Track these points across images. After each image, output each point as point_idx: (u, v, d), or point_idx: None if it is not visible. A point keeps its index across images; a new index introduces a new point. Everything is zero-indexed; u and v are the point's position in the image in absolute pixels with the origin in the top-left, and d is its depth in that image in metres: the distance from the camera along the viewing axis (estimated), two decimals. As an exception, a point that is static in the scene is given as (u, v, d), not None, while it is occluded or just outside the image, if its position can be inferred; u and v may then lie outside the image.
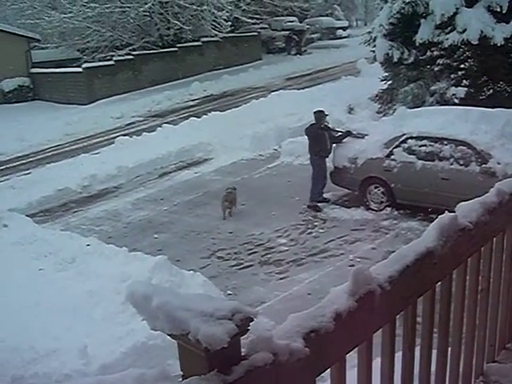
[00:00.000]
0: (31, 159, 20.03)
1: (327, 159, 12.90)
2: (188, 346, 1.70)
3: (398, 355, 2.66)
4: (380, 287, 2.24)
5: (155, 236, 12.13)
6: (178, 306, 1.66)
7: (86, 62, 31.04)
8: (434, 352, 2.96)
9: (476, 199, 3.12)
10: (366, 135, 12.71)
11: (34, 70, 32.05)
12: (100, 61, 31.31)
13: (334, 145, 12.85)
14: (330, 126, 13.58)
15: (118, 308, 8.15)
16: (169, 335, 1.73)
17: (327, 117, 13.57)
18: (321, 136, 12.71)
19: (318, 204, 12.73)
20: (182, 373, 1.81)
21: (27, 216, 13.00)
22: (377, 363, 2.53)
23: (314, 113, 13.11)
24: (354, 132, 12.94)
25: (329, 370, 2.20)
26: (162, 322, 1.67)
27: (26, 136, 22.59)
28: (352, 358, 2.35)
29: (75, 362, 7.17)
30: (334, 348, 2.11)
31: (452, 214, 2.82)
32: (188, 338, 1.64)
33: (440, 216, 2.77)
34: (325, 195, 13.05)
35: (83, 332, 7.75)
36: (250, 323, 1.72)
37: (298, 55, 39.30)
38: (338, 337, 2.07)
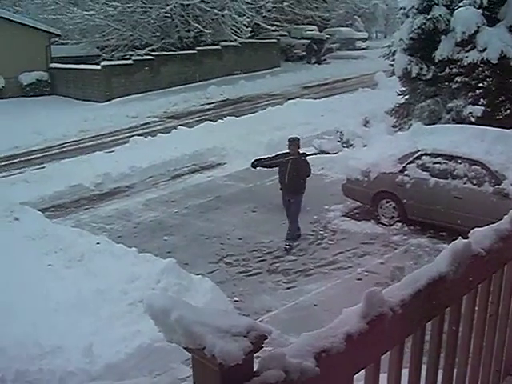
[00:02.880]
0: (46, 153, 20.15)
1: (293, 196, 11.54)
2: (203, 360, 1.73)
3: (404, 372, 2.68)
4: (392, 310, 2.27)
5: (165, 238, 12.17)
6: (195, 320, 1.69)
7: (104, 59, 31.26)
8: (440, 372, 2.97)
9: (490, 226, 3.13)
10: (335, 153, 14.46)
11: (53, 65, 32.26)
12: (119, 59, 31.49)
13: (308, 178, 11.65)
14: (304, 152, 12.04)
15: (125, 308, 8.22)
16: (184, 348, 1.77)
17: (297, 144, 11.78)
18: (279, 167, 11.69)
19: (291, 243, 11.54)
20: (194, 385, 1.84)
21: (39, 210, 13.11)
22: (382, 379, 2.55)
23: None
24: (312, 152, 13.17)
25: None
26: (179, 336, 1.71)
27: (41, 130, 22.71)
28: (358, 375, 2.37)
29: (80, 360, 7.23)
30: (343, 369, 2.13)
31: (466, 240, 2.85)
32: (204, 352, 1.67)
33: (454, 242, 2.79)
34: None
35: (89, 330, 7.81)
36: (265, 341, 1.76)
37: (317, 64, 39.42)
38: (348, 358, 2.10)
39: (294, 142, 11.70)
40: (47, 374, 7.15)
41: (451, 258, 2.66)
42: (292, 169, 11.36)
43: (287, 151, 11.69)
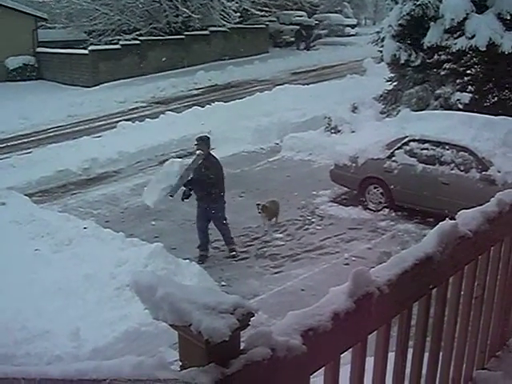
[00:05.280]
0: (33, 138, 20.03)
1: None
2: (189, 337, 1.73)
3: (391, 355, 2.69)
4: (378, 290, 2.28)
5: (152, 223, 12.15)
6: (181, 297, 1.69)
7: (92, 44, 30.96)
8: (426, 355, 2.99)
9: (477, 208, 3.15)
10: None
11: (39, 50, 31.97)
12: (106, 44, 31.21)
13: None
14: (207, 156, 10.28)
15: (113, 293, 8.20)
16: (170, 325, 1.76)
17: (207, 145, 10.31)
18: (194, 170, 10.27)
19: (205, 253, 10.53)
20: (180, 363, 1.84)
21: (26, 195, 13.03)
22: (369, 362, 2.57)
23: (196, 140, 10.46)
24: None
25: (323, 368, 2.23)
26: (166, 313, 1.70)
27: (28, 115, 22.56)
28: (344, 354, 2.38)
29: (67, 345, 7.21)
30: (329, 347, 2.14)
31: (453, 221, 2.86)
32: (190, 329, 1.67)
33: (441, 223, 2.80)
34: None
35: (76, 315, 7.79)
36: (251, 318, 1.76)
37: (306, 50, 39.30)
38: (334, 336, 2.11)
39: (204, 142, 10.26)
40: (34, 358, 7.12)
41: (438, 239, 2.68)
42: (204, 172, 10.05)
43: (195, 157, 10.42)
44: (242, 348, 1.83)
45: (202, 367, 1.71)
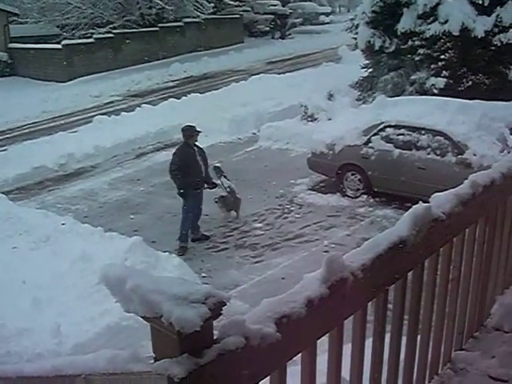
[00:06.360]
0: (7, 136, 19.78)
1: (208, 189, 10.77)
2: (161, 328, 1.71)
3: (368, 341, 2.70)
4: (352, 275, 2.27)
5: (131, 217, 12.10)
6: (151, 288, 1.67)
7: (65, 38, 30.57)
8: (404, 339, 3.00)
9: (450, 190, 3.15)
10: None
11: (12, 45, 31.50)
12: (80, 38, 30.86)
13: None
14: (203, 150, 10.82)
15: (92, 288, 8.14)
16: (142, 317, 1.74)
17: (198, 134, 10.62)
18: (191, 160, 10.30)
19: (186, 245, 10.52)
20: (153, 355, 1.82)
21: (2, 193, 12.88)
22: (347, 348, 2.57)
23: (182, 130, 10.64)
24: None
25: (300, 354, 2.23)
26: (136, 305, 1.68)
27: (2, 112, 22.23)
28: (323, 342, 2.38)
29: (48, 342, 7.17)
30: (305, 333, 2.13)
31: (426, 204, 2.86)
32: (161, 320, 1.65)
33: (414, 206, 2.81)
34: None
35: (56, 311, 7.75)
36: (223, 307, 1.74)
37: (281, 39, 39.23)
38: (309, 323, 2.10)
39: (193, 130, 10.44)
40: (15, 356, 7.07)
41: (412, 223, 2.68)
42: (203, 160, 10.51)
43: (180, 146, 10.61)
44: (215, 338, 1.81)
45: (174, 358, 1.70)
